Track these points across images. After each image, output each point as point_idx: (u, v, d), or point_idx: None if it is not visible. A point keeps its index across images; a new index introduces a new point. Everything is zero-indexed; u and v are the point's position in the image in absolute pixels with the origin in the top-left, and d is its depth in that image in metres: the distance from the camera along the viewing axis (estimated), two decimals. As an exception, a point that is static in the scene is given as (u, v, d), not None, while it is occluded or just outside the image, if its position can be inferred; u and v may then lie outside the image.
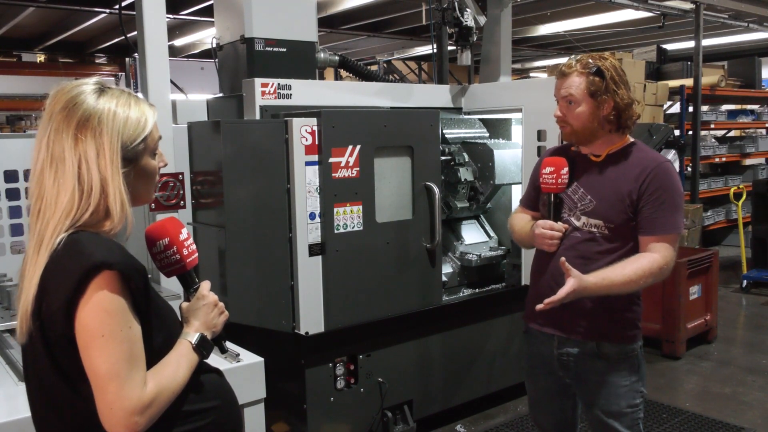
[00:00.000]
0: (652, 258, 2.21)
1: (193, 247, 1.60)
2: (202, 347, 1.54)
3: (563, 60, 2.61)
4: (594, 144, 2.35)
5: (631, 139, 2.38)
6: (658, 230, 2.23)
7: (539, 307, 2.20)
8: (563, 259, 2.21)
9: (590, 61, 2.27)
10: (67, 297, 1.33)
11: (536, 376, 2.55)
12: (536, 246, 2.43)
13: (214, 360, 1.63)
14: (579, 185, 2.36)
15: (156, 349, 1.45)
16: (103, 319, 1.34)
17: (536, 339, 2.48)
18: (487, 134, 4.51)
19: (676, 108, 8.28)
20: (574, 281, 2.14)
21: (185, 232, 1.59)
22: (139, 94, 1.59)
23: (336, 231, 3.32)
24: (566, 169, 2.34)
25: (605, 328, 2.32)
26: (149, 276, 1.48)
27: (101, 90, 1.47)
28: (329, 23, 8.71)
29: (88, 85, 1.47)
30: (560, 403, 2.52)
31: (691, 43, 7.89)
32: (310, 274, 3.30)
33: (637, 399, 2.35)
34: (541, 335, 2.45)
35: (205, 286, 1.63)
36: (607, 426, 2.34)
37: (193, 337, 1.53)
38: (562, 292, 2.16)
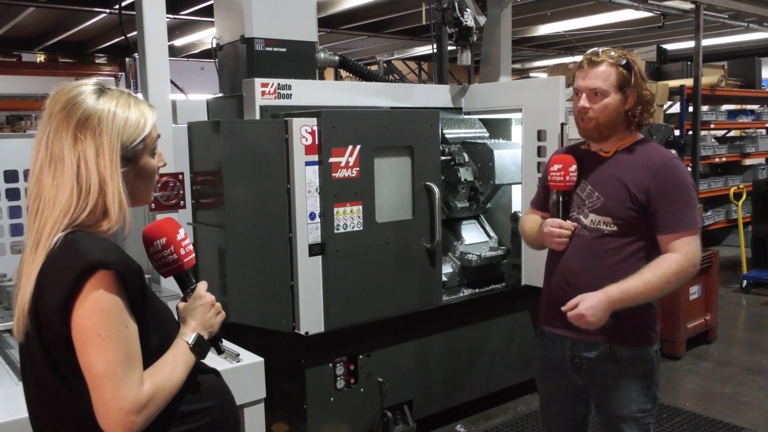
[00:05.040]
0: (671, 259, 2.17)
1: (190, 247, 1.61)
2: (199, 347, 1.54)
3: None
4: (609, 140, 2.33)
5: (641, 136, 2.36)
6: (677, 227, 2.19)
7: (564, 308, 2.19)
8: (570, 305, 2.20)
9: (615, 53, 2.25)
10: (63, 297, 1.33)
11: (548, 380, 2.52)
12: (546, 245, 2.41)
13: (214, 360, 1.63)
14: (587, 182, 2.34)
15: (152, 349, 1.45)
16: (99, 319, 1.34)
17: (549, 341, 2.45)
18: (487, 134, 4.51)
19: (676, 108, 8.27)
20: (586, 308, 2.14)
21: (182, 233, 1.59)
22: (139, 95, 1.60)
23: (336, 231, 3.32)
24: (575, 167, 2.33)
25: (619, 331, 2.27)
26: (149, 276, 1.48)
27: (101, 90, 1.48)
28: (329, 23, 8.70)
29: (88, 85, 1.48)
30: (571, 409, 2.48)
31: (691, 43, 7.87)
32: (310, 274, 3.30)
33: (648, 404, 2.31)
34: (554, 337, 2.42)
35: (202, 286, 1.63)
36: (618, 430, 2.31)
37: (190, 337, 1.53)
38: (581, 307, 2.15)
